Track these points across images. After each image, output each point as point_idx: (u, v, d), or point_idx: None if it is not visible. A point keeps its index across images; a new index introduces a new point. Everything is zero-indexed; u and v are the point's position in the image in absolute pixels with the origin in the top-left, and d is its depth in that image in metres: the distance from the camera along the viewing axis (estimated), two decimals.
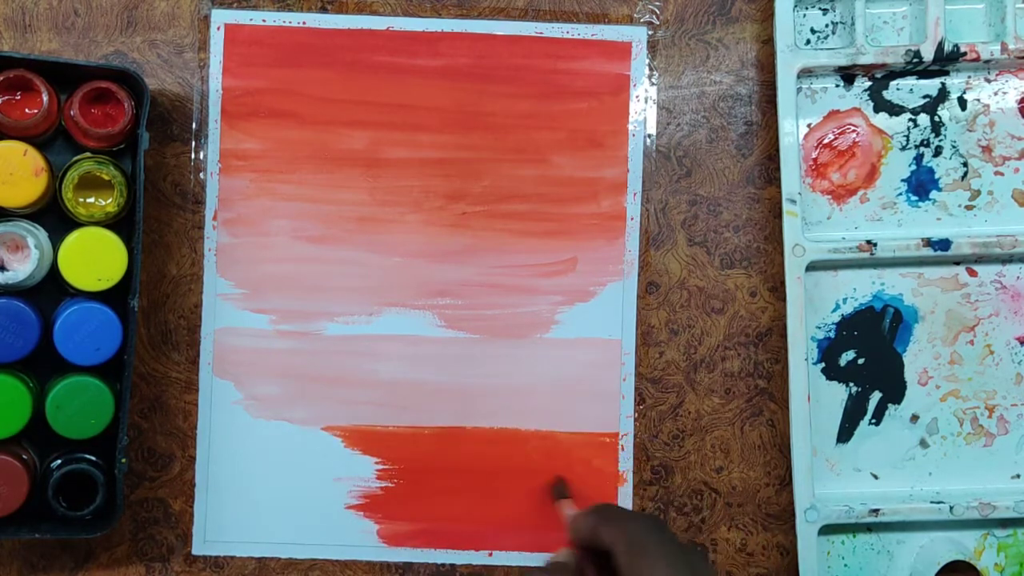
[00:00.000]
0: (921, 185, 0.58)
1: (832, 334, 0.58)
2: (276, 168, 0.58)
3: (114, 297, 0.54)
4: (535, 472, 0.58)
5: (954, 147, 0.58)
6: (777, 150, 0.57)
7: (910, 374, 0.58)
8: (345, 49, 0.58)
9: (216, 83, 0.58)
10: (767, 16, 0.58)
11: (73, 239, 0.53)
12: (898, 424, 0.58)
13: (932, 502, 0.57)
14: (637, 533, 0.39)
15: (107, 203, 0.54)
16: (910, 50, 0.56)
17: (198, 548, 0.58)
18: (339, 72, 0.58)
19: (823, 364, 0.58)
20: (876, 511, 0.56)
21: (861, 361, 0.58)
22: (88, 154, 0.54)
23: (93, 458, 0.54)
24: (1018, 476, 0.58)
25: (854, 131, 0.58)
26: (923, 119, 0.58)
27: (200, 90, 0.58)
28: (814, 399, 0.57)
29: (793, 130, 0.56)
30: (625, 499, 0.58)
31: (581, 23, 0.58)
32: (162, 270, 0.58)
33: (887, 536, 0.58)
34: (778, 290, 0.58)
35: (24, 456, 0.54)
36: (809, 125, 0.58)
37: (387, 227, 0.58)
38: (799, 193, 0.56)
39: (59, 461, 0.54)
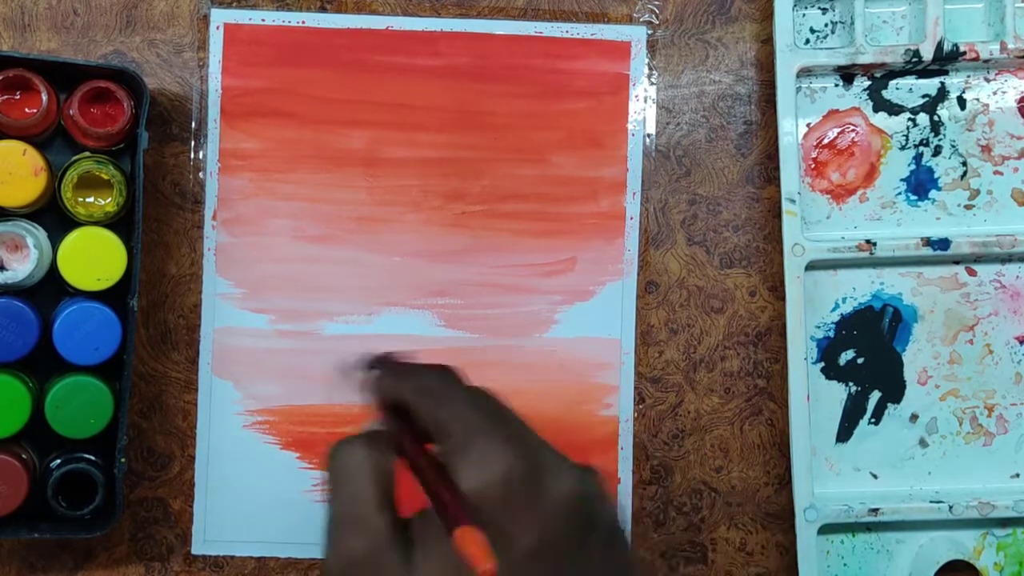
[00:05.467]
0: (920, 184, 0.58)
1: (831, 333, 0.58)
2: (275, 168, 0.58)
3: (113, 297, 0.54)
4: None
5: (953, 146, 0.58)
6: (776, 150, 0.57)
7: (909, 373, 0.58)
8: (344, 48, 0.58)
9: (215, 83, 0.58)
10: (766, 15, 0.58)
11: (72, 239, 0.53)
12: (897, 423, 0.58)
13: (931, 501, 0.57)
14: (425, 381, 0.41)
15: (106, 203, 0.54)
16: (909, 49, 0.56)
17: (197, 548, 0.58)
18: (338, 72, 0.58)
19: (822, 363, 0.58)
20: (875, 510, 0.56)
21: (860, 360, 0.58)
22: (87, 154, 0.54)
23: (92, 458, 0.54)
24: (1017, 475, 0.58)
25: (853, 131, 0.58)
26: (922, 118, 0.58)
27: (199, 90, 0.58)
28: (813, 398, 0.57)
29: (792, 129, 0.56)
30: (624, 498, 0.58)
31: (580, 22, 0.58)
32: (161, 270, 0.58)
33: (886, 535, 0.58)
34: (777, 289, 0.58)
35: (23, 456, 0.54)
36: (808, 125, 0.58)
37: (386, 227, 0.58)
38: (798, 193, 0.56)
39: (58, 461, 0.54)
